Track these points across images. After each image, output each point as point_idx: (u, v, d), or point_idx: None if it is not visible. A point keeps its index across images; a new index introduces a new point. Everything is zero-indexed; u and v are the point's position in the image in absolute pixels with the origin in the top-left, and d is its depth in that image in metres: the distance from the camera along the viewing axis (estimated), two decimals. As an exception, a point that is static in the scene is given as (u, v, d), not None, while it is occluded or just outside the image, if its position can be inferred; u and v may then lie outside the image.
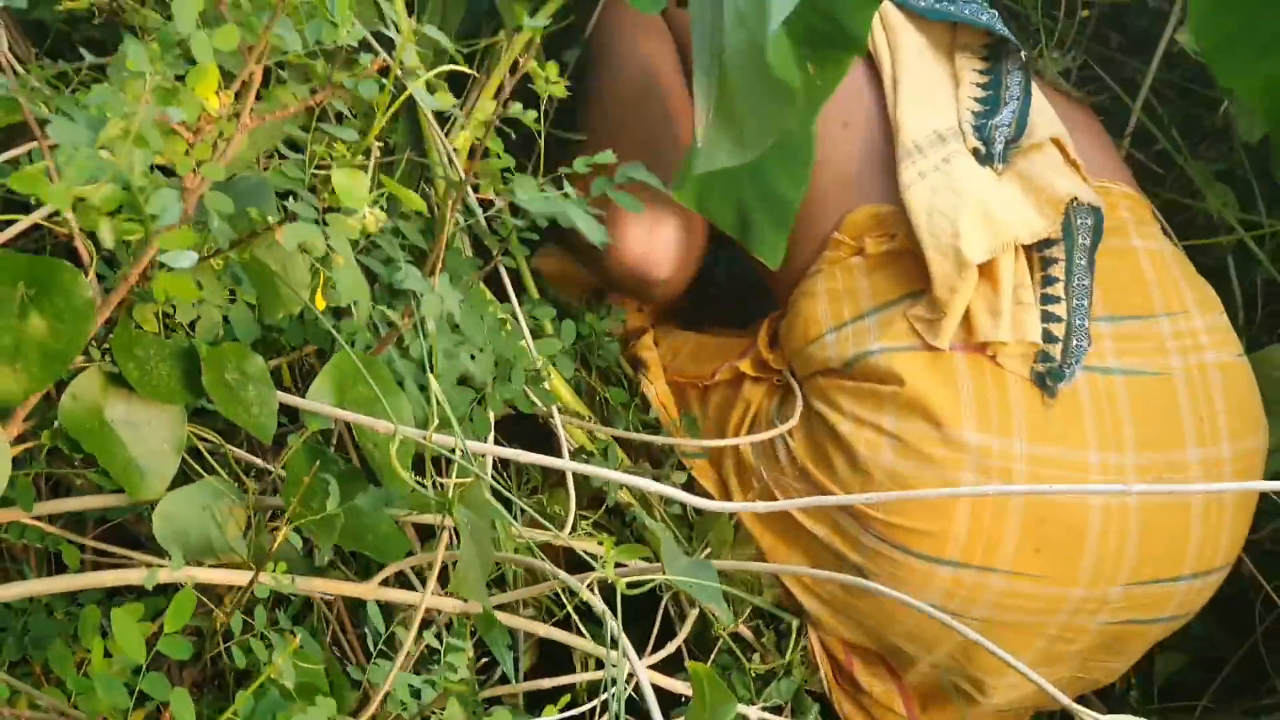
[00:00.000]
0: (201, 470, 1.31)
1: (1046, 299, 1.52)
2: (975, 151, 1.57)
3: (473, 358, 1.38)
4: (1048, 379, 1.50)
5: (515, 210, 1.38)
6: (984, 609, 1.53)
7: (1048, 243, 1.53)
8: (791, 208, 1.49)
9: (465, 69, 1.25)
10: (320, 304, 1.15)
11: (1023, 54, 1.66)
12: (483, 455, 1.38)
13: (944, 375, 1.50)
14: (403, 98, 1.19)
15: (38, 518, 1.29)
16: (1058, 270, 1.53)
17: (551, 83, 1.33)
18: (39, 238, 1.40)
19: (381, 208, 1.13)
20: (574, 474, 1.50)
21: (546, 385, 1.50)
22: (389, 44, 1.31)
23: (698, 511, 1.64)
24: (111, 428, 1.18)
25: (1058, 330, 1.51)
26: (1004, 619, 1.54)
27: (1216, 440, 1.55)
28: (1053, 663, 1.60)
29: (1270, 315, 2.10)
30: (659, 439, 1.65)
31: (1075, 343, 1.51)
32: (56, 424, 1.17)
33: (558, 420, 1.49)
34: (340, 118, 1.23)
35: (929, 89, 1.64)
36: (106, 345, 1.19)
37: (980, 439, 1.48)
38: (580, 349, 1.70)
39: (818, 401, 1.57)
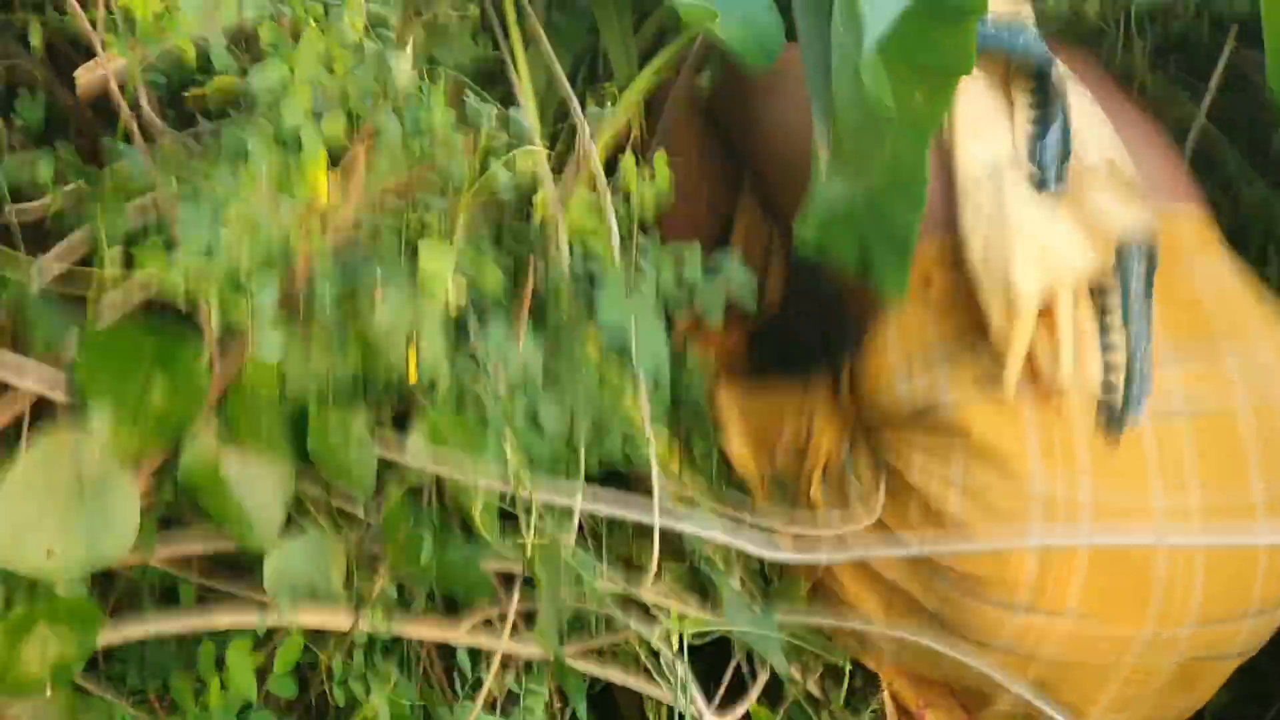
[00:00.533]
0: (308, 518, 1.41)
1: (1105, 341, 1.52)
2: (1032, 177, 1.55)
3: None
4: (1111, 423, 1.50)
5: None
6: (1055, 650, 1.55)
7: (1102, 280, 1.52)
8: (911, 237, 1.46)
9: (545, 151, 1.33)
10: (413, 377, 1.24)
11: (1065, 77, 1.64)
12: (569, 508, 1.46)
13: (1010, 426, 1.51)
14: (483, 175, 1.27)
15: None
16: (1114, 308, 1.51)
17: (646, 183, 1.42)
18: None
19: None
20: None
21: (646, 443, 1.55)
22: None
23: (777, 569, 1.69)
24: (225, 482, 1.29)
25: (1117, 373, 1.51)
26: (1076, 659, 1.56)
27: None
28: (1130, 704, 1.61)
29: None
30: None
31: (1137, 385, 1.50)
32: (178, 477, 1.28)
33: (655, 482, 1.53)
34: (442, 192, 1.32)
35: (986, 118, 1.63)
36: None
37: (1045, 488, 1.49)
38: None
39: (888, 451, 1.61)
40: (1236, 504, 1.52)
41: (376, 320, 1.15)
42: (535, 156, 1.31)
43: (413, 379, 1.24)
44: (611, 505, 1.44)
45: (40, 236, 1.32)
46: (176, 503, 1.33)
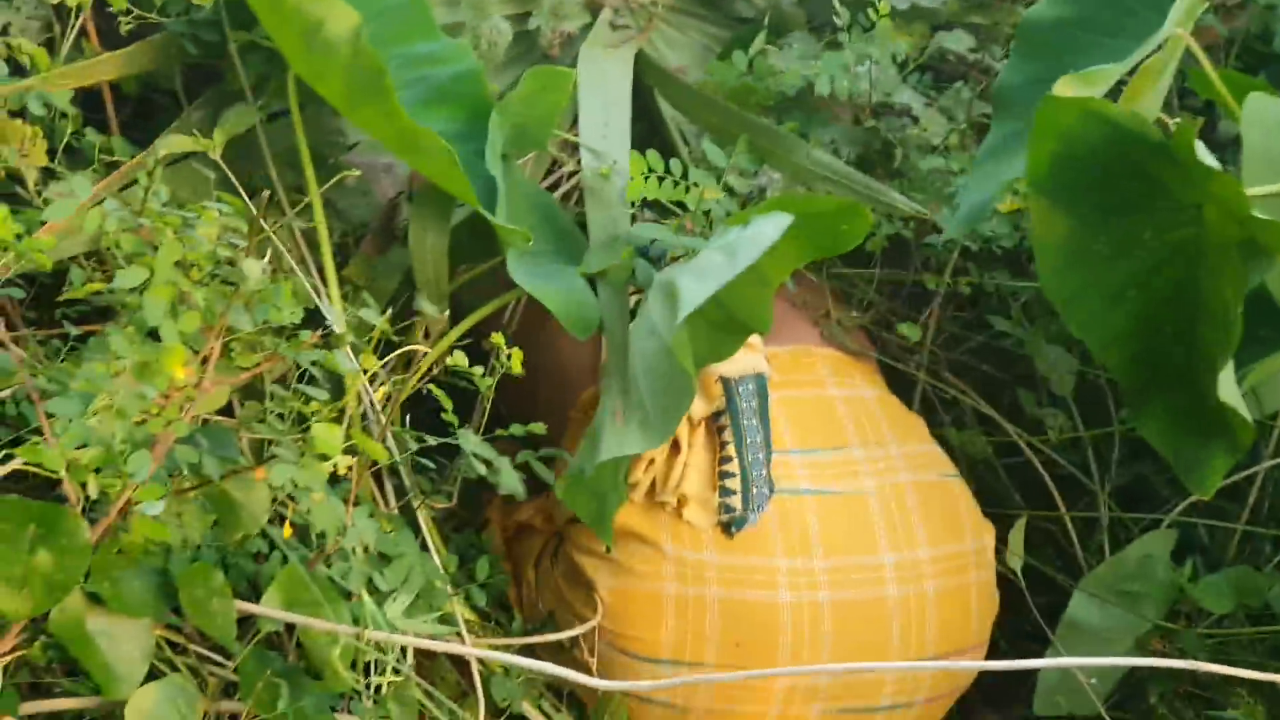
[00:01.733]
0: (171, 666, 1.54)
1: (724, 461, 1.81)
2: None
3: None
4: (731, 527, 1.79)
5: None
6: (705, 701, 1.80)
7: (717, 414, 1.82)
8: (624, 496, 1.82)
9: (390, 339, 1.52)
10: (287, 532, 1.39)
11: None
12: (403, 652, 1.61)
13: (649, 517, 1.81)
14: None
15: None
16: (729, 435, 1.81)
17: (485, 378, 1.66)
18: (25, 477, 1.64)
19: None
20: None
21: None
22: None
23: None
24: (91, 638, 1.42)
25: (733, 485, 1.79)
26: (726, 708, 1.80)
27: (913, 546, 1.83)
28: None
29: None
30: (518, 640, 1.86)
31: (756, 490, 1.79)
32: (43, 637, 1.41)
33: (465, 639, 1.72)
34: (312, 379, 1.49)
35: None
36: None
37: (675, 550, 1.78)
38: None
39: (568, 541, 1.88)
40: (864, 565, 1.80)
41: (265, 479, 1.30)
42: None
43: (287, 534, 1.38)
44: (437, 644, 1.61)
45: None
46: (43, 662, 1.44)
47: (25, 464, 1.34)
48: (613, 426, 1.69)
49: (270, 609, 1.55)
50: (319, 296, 1.60)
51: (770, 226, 1.53)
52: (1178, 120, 1.64)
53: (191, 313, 1.34)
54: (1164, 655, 2.01)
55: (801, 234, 1.57)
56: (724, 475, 1.80)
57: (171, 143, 1.70)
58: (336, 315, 1.49)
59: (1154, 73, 1.66)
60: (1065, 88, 1.61)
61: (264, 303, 1.38)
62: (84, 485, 1.25)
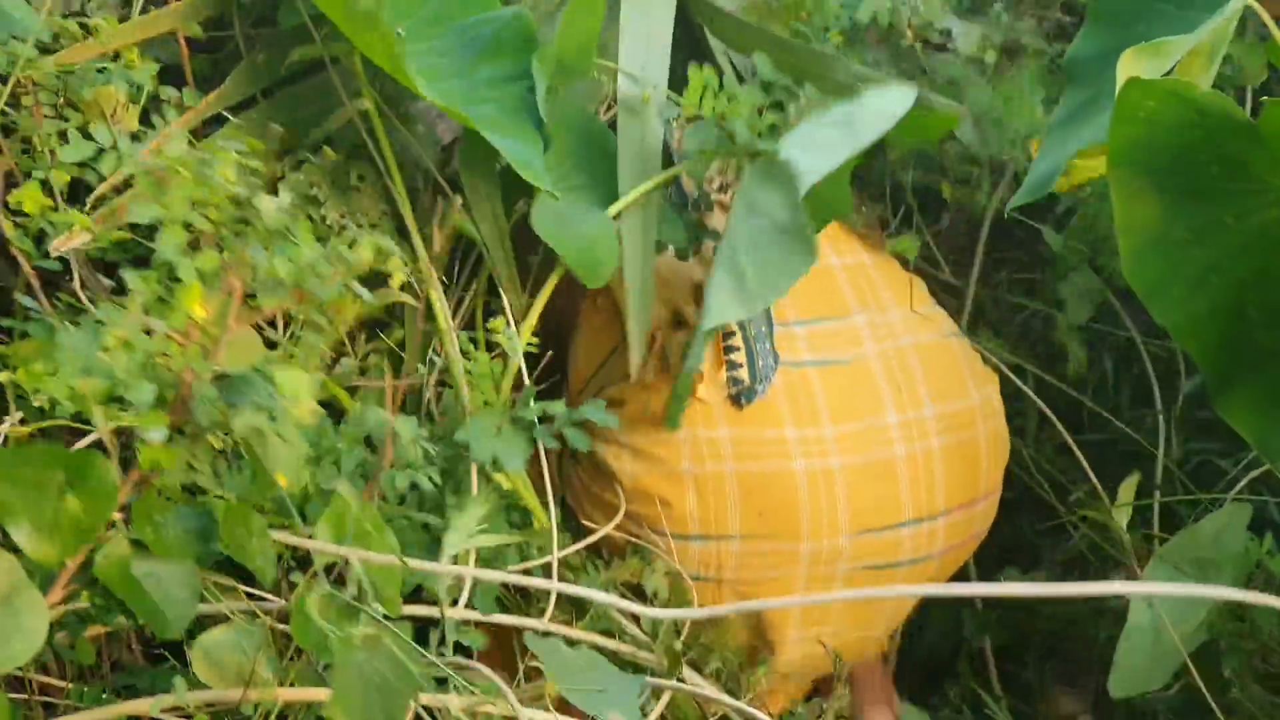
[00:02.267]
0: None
1: (727, 336, 1.88)
2: None
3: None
4: (740, 399, 1.84)
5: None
6: (734, 571, 1.85)
7: None
8: None
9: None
10: (282, 481, 1.38)
11: None
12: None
13: (657, 396, 1.87)
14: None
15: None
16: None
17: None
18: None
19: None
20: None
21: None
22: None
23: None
24: (137, 581, 1.43)
25: (739, 358, 1.86)
26: (756, 577, 1.85)
27: (918, 405, 1.89)
28: (825, 616, 1.90)
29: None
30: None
31: (761, 362, 1.86)
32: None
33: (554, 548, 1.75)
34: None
35: None
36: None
37: (689, 430, 1.85)
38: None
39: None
40: (872, 428, 1.87)
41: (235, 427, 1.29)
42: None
43: (282, 482, 1.37)
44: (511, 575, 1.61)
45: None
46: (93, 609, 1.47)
47: (57, 418, 1.35)
48: (718, 298, 1.75)
49: (320, 543, 1.55)
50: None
51: (894, 102, 1.62)
52: (1265, 99, 1.57)
53: (210, 251, 1.34)
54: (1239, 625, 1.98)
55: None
56: (729, 350, 1.88)
57: (226, 92, 1.73)
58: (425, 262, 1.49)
59: (1212, 43, 1.66)
60: (1132, 60, 1.60)
61: (282, 241, 1.36)
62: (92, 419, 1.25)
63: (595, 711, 1.31)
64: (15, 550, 1.37)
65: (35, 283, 1.44)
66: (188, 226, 1.35)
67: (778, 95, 1.96)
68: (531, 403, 1.82)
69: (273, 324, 1.59)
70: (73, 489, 1.36)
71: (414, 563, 1.63)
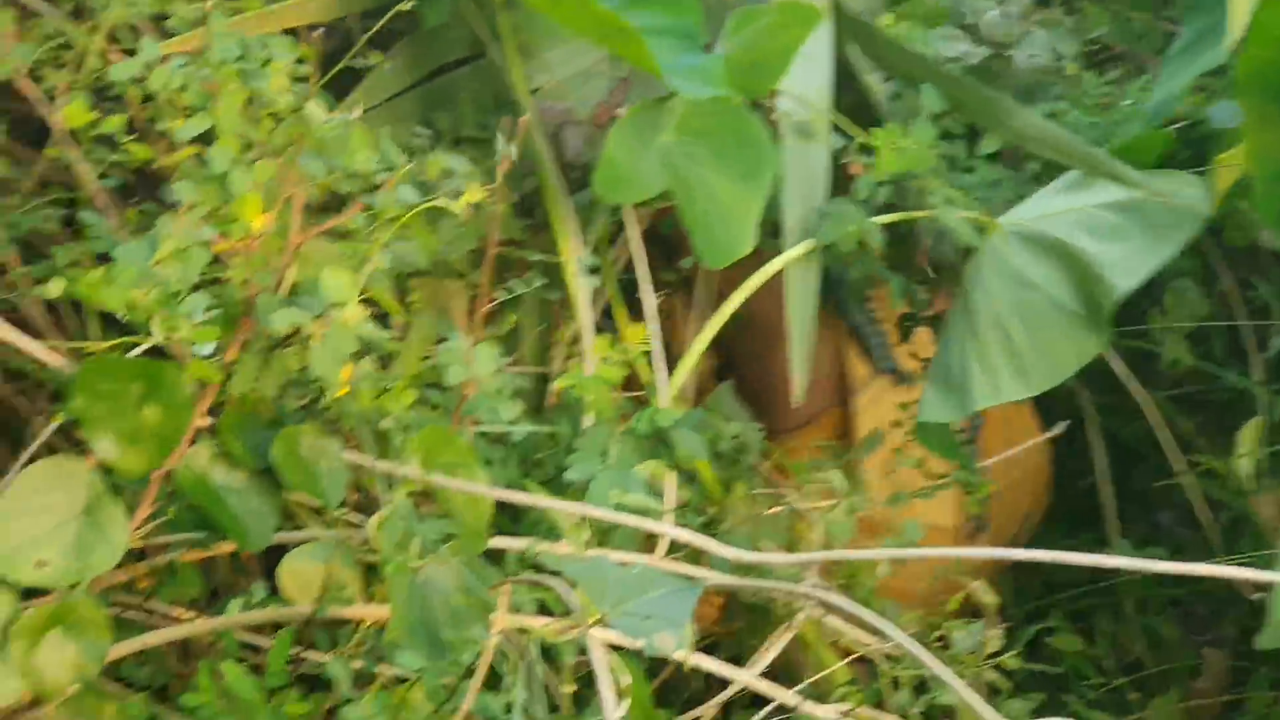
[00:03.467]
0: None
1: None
2: None
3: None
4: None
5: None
6: None
7: None
8: None
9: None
10: (343, 389, 1.39)
11: None
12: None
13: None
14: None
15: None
16: None
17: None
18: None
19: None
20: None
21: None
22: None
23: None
24: (217, 492, 1.46)
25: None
26: None
27: None
28: None
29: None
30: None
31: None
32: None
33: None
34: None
35: None
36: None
37: None
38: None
39: None
40: None
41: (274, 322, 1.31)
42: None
43: (343, 390, 1.38)
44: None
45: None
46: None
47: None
48: (986, 375, 1.81)
49: (409, 469, 1.56)
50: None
51: (1194, 200, 1.77)
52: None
53: (266, 161, 1.36)
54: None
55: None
56: None
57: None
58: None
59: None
60: None
61: (335, 149, 1.37)
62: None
63: (640, 636, 1.27)
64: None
65: (100, 200, 1.49)
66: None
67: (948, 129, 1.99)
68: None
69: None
70: (150, 400, 1.40)
71: (504, 493, 1.63)
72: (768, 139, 1.86)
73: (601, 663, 1.29)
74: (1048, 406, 2.21)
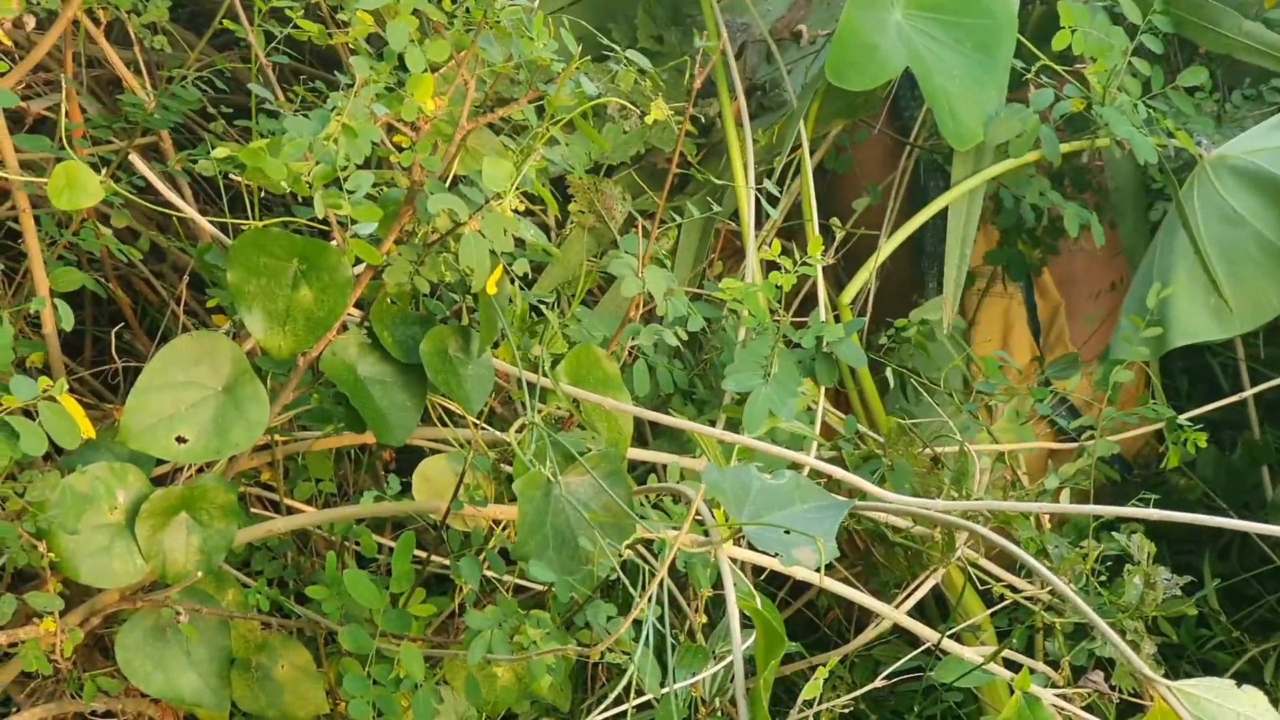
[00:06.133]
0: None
1: None
2: None
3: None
4: None
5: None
6: None
7: None
8: None
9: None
10: (491, 289, 1.33)
11: None
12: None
13: None
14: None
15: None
16: None
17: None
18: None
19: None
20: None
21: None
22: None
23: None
24: (363, 382, 1.42)
25: None
26: None
27: None
28: None
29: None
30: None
31: None
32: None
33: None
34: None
35: None
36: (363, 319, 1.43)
37: None
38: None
39: None
40: None
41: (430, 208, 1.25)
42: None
43: (491, 289, 1.32)
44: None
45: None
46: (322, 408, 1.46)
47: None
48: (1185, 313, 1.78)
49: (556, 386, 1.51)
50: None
51: None
52: None
53: (441, 41, 1.29)
54: None
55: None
56: None
57: None
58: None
59: None
60: None
61: (515, 36, 1.31)
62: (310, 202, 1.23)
63: (778, 549, 1.18)
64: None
65: (270, 74, 1.44)
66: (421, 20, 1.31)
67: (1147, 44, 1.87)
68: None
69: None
70: (306, 280, 1.35)
71: (650, 413, 1.57)
72: (1006, 4, 1.80)
73: (731, 581, 1.21)
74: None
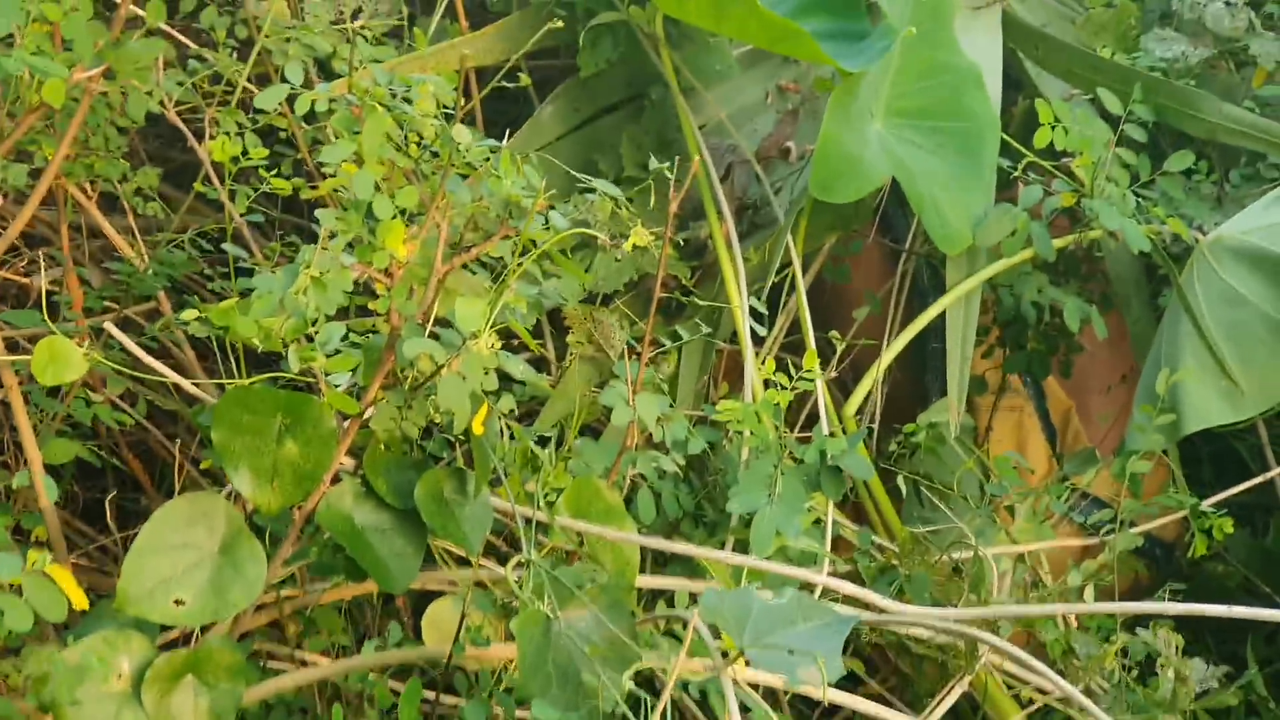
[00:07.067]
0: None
1: None
2: None
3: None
4: None
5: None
6: None
7: None
8: None
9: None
10: (478, 429, 1.33)
11: None
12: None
13: None
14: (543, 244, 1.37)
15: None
16: None
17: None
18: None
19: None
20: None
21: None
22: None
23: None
24: (361, 531, 1.41)
25: None
26: None
27: None
28: None
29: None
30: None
31: None
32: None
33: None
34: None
35: None
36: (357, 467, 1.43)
37: None
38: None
39: None
40: None
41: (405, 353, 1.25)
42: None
43: (478, 430, 1.32)
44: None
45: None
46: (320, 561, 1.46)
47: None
48: (1197, 398, 1.77)
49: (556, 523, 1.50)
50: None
51: None
52: None
53: (410, 188, 1.31)
54: None
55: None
56: None
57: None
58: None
59: None
60: None
61: (484, 176, 1.32)
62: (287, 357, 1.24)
63: (785, 673, 1.15)
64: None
65: (245, 232, 1.46)
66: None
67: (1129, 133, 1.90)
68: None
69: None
70: (291, 434, 1.35)
71: (655, 542, 1.56)
72: (986, 105, 1.81)
73: (734, 704, 1.19)
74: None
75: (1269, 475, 2.00)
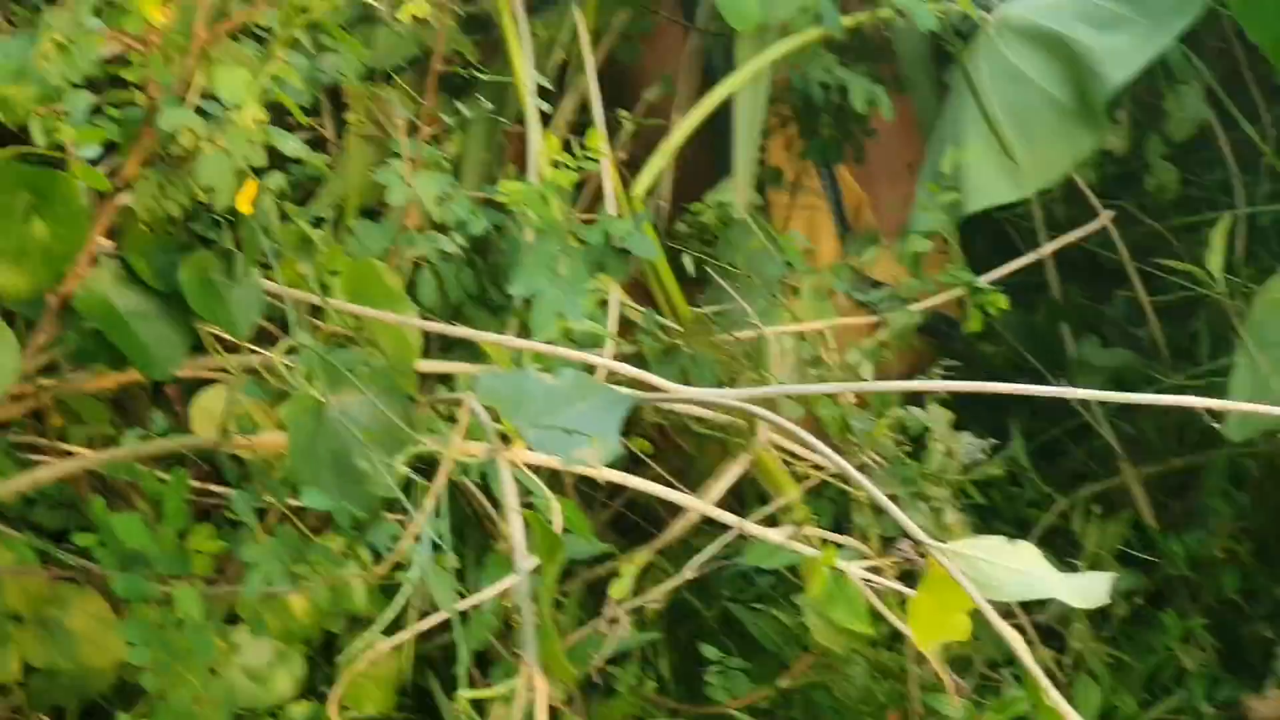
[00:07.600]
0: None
1: None
2: None
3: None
4: None
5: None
6: None
7: None
8: None
9: None
10: (245, 208, 1.27)
11: None
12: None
13: None
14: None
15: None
16: None
17: None
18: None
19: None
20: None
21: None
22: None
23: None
24: (122, 316, 1.35)
25: None
26: None
27: None
28: None
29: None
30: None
31: None
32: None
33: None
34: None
35: None
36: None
37: None
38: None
39: None
40: None
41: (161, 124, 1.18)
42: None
43: (246, 208, 1.26)
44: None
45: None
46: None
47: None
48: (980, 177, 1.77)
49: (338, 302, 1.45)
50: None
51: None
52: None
53: (165, -54, 1.22)
54: None
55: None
56: None
57: None
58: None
59: None
60: None
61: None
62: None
63: (558, 451, 1.14)
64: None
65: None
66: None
67: None
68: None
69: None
70: (38, 212, 1.28)
71: (434, 325, 1.52)
72: None
73: (509, 486, 1.18)
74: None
75: (1042, 252, 2.05)
